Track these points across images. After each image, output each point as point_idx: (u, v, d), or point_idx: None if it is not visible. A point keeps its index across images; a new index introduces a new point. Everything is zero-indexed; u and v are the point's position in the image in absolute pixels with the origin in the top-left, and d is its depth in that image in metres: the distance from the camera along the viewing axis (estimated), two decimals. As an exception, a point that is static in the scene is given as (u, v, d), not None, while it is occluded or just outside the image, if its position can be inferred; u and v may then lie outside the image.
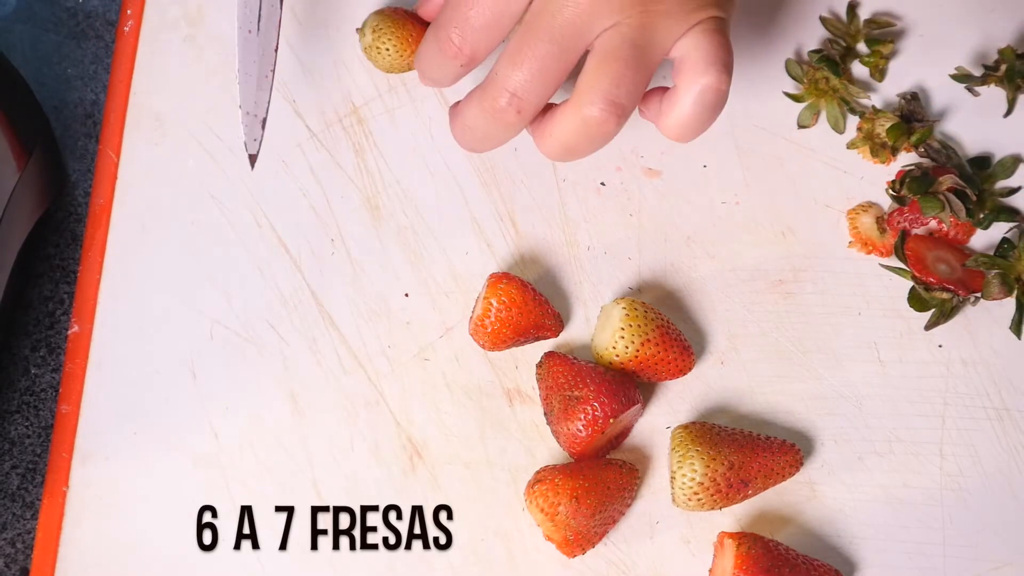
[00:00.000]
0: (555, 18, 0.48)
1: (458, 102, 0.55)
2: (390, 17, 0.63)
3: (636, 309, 0.56)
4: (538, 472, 0.55)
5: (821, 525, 0.57)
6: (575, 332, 0.60)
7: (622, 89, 0.49)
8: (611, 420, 0.54)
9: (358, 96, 0.66)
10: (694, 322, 0.60)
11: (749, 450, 0.55)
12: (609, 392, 0.54)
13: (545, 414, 0.58)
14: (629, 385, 0.56)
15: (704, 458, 0.54)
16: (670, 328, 0.57)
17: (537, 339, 0.59)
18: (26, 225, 0.62)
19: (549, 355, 0.58)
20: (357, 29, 0.64)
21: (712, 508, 0.55)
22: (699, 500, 0.54)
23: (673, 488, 0.55)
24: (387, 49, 0.62)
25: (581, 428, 0.54)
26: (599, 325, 0.58)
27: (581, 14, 0.48)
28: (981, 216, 0.61)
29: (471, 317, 0.59)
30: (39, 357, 0.63)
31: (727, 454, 0.54)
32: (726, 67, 0.50)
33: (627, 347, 0.56)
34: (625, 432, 0.58)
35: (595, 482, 0.54)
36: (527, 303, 0.57)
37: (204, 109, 0.66)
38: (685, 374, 0.58)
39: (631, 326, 0.56)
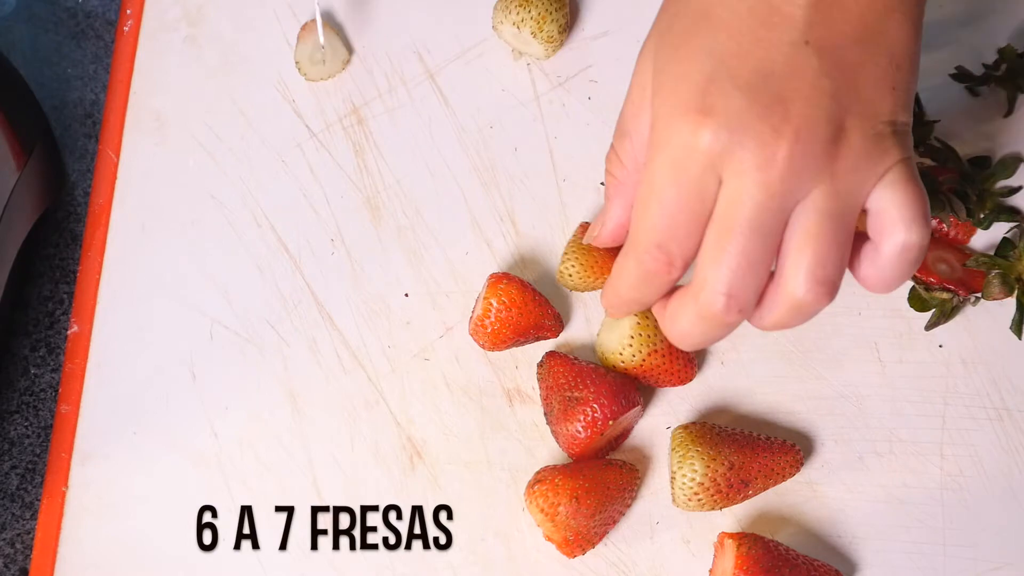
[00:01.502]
0: (748, 207, 0.45)
1: (668, 303, 0.51)
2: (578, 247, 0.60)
3: (648, 318, 0.56)
4: (538, 472, 0.55)
5: (821, 525, 0.57)
6: (575, 332, 0.60)
7: (829, 267, 0.47)
8: (610, 422, 0.54)
9: (358, 96, 0.66)
10: (694, 322, 0.60)
11: (749, 450, 0.55)
12: (609, 394, 0.54)
13: (545, 414, 0.58)
14: (629, 387, 0.55)
15: (704, 458, 0.54)
16: None
17: (537, 339, 0.59)
18: (26, 225, 0.62)
19: (551, 355, 0.58)
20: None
21: (712, 508, 0.55)
22: (699, 500, 0.54)
23: (673, 488, 0.54)
24: (571, 275, 0.60)
25: (580, 429, 0.54)
26: (607, 325, 0.58)
27: (774, 196, 0.45)
28: (981, 216, 0.61)
29: (471, 317, 0.59)
30: (39, 357, 0.63)
31: (727, 454, 0.54)
32: (925, 220, 0.47)
33: (634, 355, 0.56)
34: (625, 434, 0.58)
35: (595, 482, 0.54)
36: (527, 303, 0.57)
37: (204, 109, 0.66)
38: (686, 383, 0.58)
39: (641, 335, 0.56)
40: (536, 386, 0.59)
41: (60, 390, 0.61)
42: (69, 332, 0.62)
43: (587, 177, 0.64)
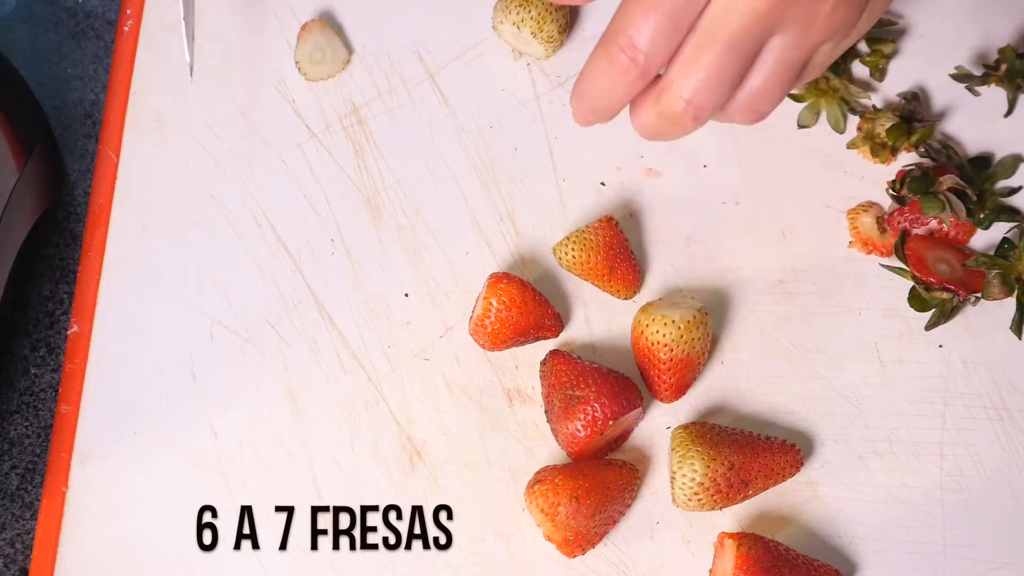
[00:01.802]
0: (734, 25, 0.47)
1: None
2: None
3: (699, 326, 0.56)
4: (538, 472, 0.55)
5: (821, 525, 0.57)
6: (575, 332, 0.60)
7: (771, 102, 0.50)
8: (610, 422, 0.54)
9: (358, 96, 0.66)
10: (694, 322, 0.60)
11: (749, 450, 0.55)
12: (610, 394, 0.54)
13: (546, 412, 0.58)
14: (631, 388, 0.55)
15: (704, 458, 0.54)
16: (695, 361, 0.57)
17: (537, 339, 0.59)
18: (26, 225, 0.62)
19: (554, 353, 0.58)
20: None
21: (712, 508, 0.55)
22: (699, 500, 0.54)
23: (673, 488, 0.54)
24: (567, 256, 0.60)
25: (580, 428, 0.54)
26: (667, 301, 0.59)
27: (760, 21, 0.47)
28: (981, 216, 0.61)
29: (471, 317, 0.59)
30: (39, 357, 0.63)
31: (727, 454, 0.54)
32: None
33: (656, 332, 0.56)
34: (625, 435, 0.58)
35: (595, 482, 0.54)
36: (527, 303, 0.57)
37: (204, 109, 0.66)
38: (661, 401, 0.58)
39: (679, 329, 0.56)
40: (536, 386, 0.59)
41: (60, 390, 0.61)
42: (69, 332, 0.62)
43: (587, 177, 0.64)
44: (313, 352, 0.61)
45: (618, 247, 0.59)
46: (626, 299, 0.60)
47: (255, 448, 0.59)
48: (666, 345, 0.56)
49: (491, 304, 0.57)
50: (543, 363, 0.58)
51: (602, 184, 0.63)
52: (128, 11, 0.68)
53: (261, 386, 0.60)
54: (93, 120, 0.68)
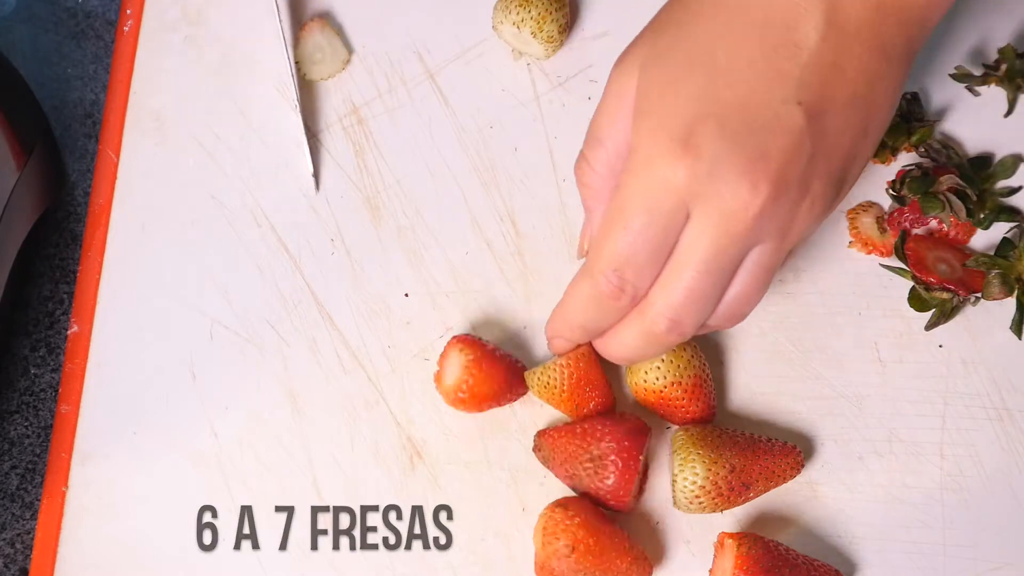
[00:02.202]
0: (709, 249, 0.47)
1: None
2: None
3: (681, 352, 0.56)
4: (571, 499, 0.54)
5: (821, 525, 0.57)
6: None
7: (750, 307, 0.51)
8: (640, 457, 0.54)
9: (358, 96, 0.66)
10: (694, 322, 0.60)
11: (750, 453, 0.55)
12: (624, 431, 0.54)
13: (574, 489, 0.56)
14: (630, 418, 0.55)
15: (705, 462, 0.53)
16: (705, 378, 0.57)
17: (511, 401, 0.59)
18: (26, 225, 0.62)
19: (542, 434, 0.56)
20: None
21: (713, 511, 0.55)
22: (700, 504, 0.54)
23: (674, 491, 0.54)
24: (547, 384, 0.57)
25: (618, 477, 0.53)
26: None
27: (735, 243, 0.47)
28: (981, 216, 0.61)
29: (438, 380, 0.58)
30: (39, 357, 0.63)
31: (728, 457, 0.54)
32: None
33: (657, 379, 0.55)
34: (649, 455, 0.58)
35: (601, 551, 0.52)
36: (495, 369, 0.56)
37: (204, 109, 0.66)
38: (696, 423, 0.57)
39: (671, 362, 0.55)
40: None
41: (60, 390, 0.61)
42: (69, 332, 0.62)
43: (587, 177, 0.64)
44: (313, 352, 0.61)
45: (592, 377, 0.57)
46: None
47: (255, 448, 0.59)
48: (670, 383, 0.55)
49: (466, 374, 0.56)
50: (537, 448, 0.57)
51: (602, 184, 0.63)
52: (128, 11, 0.68)
53: (261, 386, 0.60)
54: (93, 120, 0.68)
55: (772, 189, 0.46)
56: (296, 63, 0.66)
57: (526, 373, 0.57)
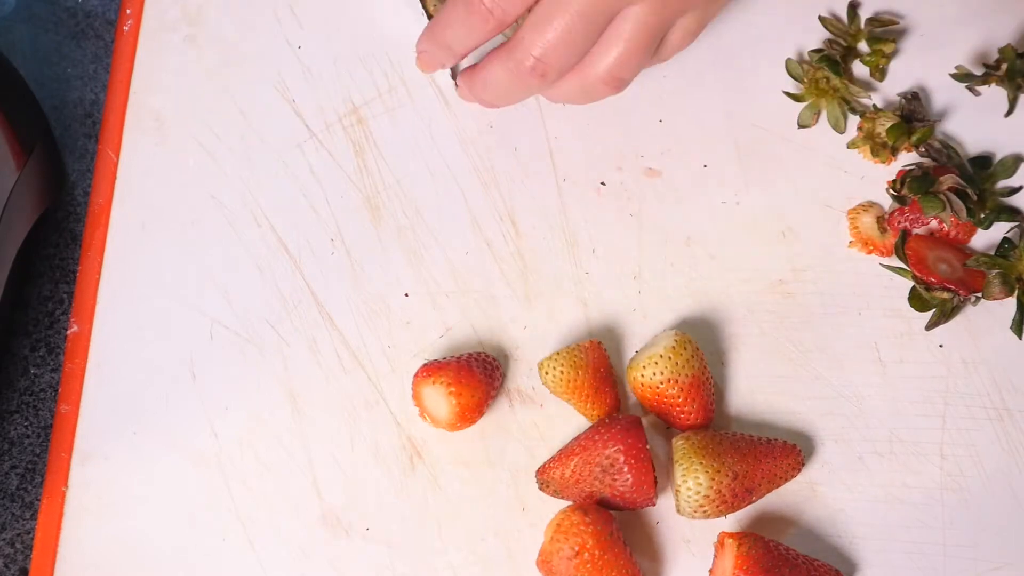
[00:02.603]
0: None
1: (474, 65, 0.58)
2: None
3: (681, 351, 0.56)
4: (594, 506, 0.54)
5: (821, 525, 0.57)
6: (574, 330, 0.60)
7: (628, 70, 0.53)
8: (648, 448, 0.54)
9: (358, 96, 0.66)
10: (694, 322, 0.60)
11: (752, 457, 0.54)
12: (627, 432, 0.54)
13: (601, 504, 0.55)
14: (621, 418, 0.55)
15: (708, 471, 0.53)
16: (704, 380, 0.57)
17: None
18: (26, 225, 0.62)
19: (543, 471, 0.56)
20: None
21: (717, 516, 0.55)
22: (704, 512, 0.54)
23: (678, 500, 0.54)
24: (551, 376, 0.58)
25: (633, 481, 0.54)
26: (646, 344, 0.58)
27: None
28: (982, 216, 0.61)
29: (424, 416, 0.58)
30: (39, 357, 0.63)
31: (731, 464, 0.54)
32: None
33: (655, 375, 0.55)
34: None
35: (604, 563, 0.53)
36: (470, 378, 0.57)
37: (204, 109, 0.66)
38: (695, 428, 0.57)
39: (669, 359, 0.55)
40: (536, 386, 0.59)
41: (60, 390, 0.61)
42: (69, 332, 0.62)
43: (587, 177, 0.64)
44: (313, 352, 0.61)
45: (605, 371, 0.58)
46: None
47: (255, 448, 0.59)
48: (667, 379, 0.55)
49: (452, 407, 0.56)
50: (545, 486, 0.56)
51: (602, 184, 0.63)
52: (128, 11, 0.68)
53: (261, 386, 0.60)
54: (93, 120, 0.68)
55: None
56: (426, 8, 0.65)
57: (538, 365, 0.57)
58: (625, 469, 0.54)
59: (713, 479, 0.53)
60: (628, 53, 0.53)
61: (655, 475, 0.55)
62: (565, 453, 0.56)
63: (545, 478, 0.56)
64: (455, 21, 0.55)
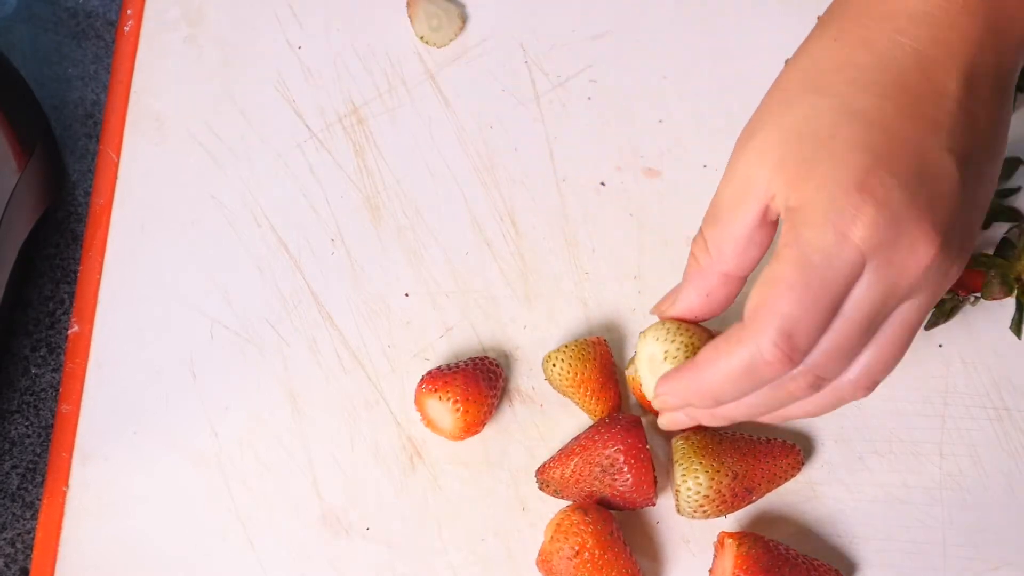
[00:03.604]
0: (877, 302, 0.44)
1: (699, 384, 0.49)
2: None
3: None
4: (593, 506, 0.54)
5: (821, 525, 0.57)
6: (574, 330, 0.60)
7: (888, 372, 0.48)
8: (647, 448, 0.54)
9: (358, 96, 0.66)
10: (694, 322, 0.60)
11: (751, 457, 0.54)
12: (626, 433, 0.54)
13: (601, 504, 0.55)
14: (620, 417, 0.55)
15: (708, 471, 0.53)
16: None
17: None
18: (26, 225, 0.62)
19: (543, 471, 0.56)
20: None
21: (717, 516, 0.55)
22: (704, 512, 0.54)
23: (678, 500, 0.54)
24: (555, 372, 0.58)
25: (632, 481, 0.54)
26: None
27: (898, 295, 0.44)
28: (981, 216, 0.61)
29: (430, 426, 0.58)
30: (39, 357, 0.63)
31: (730, 464, 0.54)
32: None
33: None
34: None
35: (603, 563, 0.53)
36: (477, 387, 0.57)
37: (204, 109, 0.66)
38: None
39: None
40: (536, 386, 0.59)
41: (60, 390, 0.61)
42: (69, 332, 0.62)
43: (587, 177, 0.64)
44: (313, 352, 0.61)
45: (609, 367, 0.58)
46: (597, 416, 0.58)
47: (255, 448, 0.59)
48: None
49: (459, 417, 0.56)
50: (545, 485, 0.56)
51: (602, 184, 0.63)
52: (128, 11, 0.68)
53: (261, 386, 0.60)
54: (94, 120, 0.68)
55: (942, 240, 0.44)
56: (420, 38, 0.66)
57: (544, 358, 0.57)
58: (625, 469, 0.54)
59: (713, 479, 0.53)
60: (891, 355, 0.47)
61: (655, 475, 0.55)
62: (565, 453, 0.56)
63: (545, 478, 0.56)
64: (738, 375, 0.46)
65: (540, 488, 0.57)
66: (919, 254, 0.44)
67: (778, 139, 0.46)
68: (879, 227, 0.43)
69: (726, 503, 0.54)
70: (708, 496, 0.53)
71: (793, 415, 0.49)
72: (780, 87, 0.48)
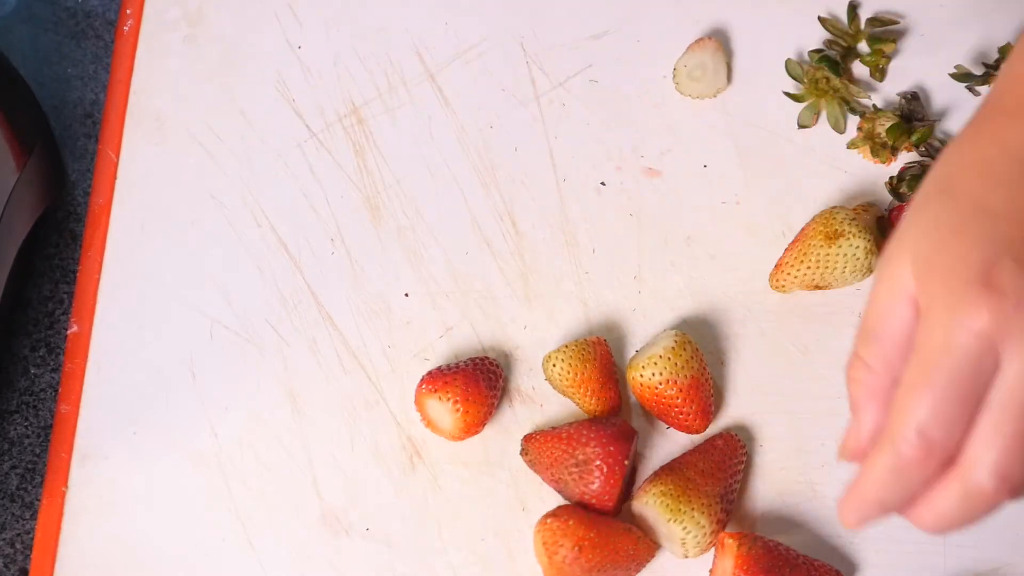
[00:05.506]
0: (1007, 388, 0.43)
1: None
2: None
3: (681, 351, 0.56)
4: (559, 508, 0.54)
5: (821, 525, 0.57)
6: (574, 330, 0.60)
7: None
8: (626, 462, 0.54)
9: (358, 96, 0.66)
10: (694, 322, 0.60)
11: (712, 473, 0.55)
12: (609, 436, 0.54)
13: (560, 492, 0.56)
14: (616, 423, 0.55)
15: (702, 509, 0.54)
16: (703, 381, 0.57)
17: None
18: (26, 225, 0.62)
19: (529, 438, 0.57)
20: None
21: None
22: (710, 544, 0.55)
23: (685, 549, 0.54)
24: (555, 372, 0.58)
25: (601, 482, 0.54)
26: (646, 345, 0.58)
27: None
28: (982, 216, 0.61)
29: (430, 427, 0.58)
30: (39, 357, 0.63)
31: (707, 489, 0.54)
32: None
33: (653, 375, 0.55)
34: (636, 458, 0.58)
35: (605, 540, 0.53)
36: (477, 387, 0.57)
37: (204, 109, 0.66)
38: (694, 433, 0.57)
39: (669, 359, 0.55)
40: (536, 386, 0.59)
41: (60, 390, 0.61)
42: (69, 332, 0.62)
43: (587, 177, 0.64)
44: (313, 352, 0.61)
45: (610, 367, 0.58)
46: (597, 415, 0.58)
47: (255, 448, 0.59)
48: (666, 380, 0.55)
49: (460, 417, 0.56)
50: (524, 452, 0.57)
51: (602, 184, 0.63)
52: (128, 11, 0.68)
53: (261, 386, 0.60)
54: (93, 120, 0.68)
55: None
56: (674, 70, 0.65)
57: (544, 357, 0.57)
58: (596, 473, 0.54)
59: (704, 514, 0.54)
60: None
61: (628, 488, 0.55)
62: (555, 434, 0.55)
63: (528, 446, 0.56)
64: (885, 479, 0.46)
65: (520, 454, 0.57)
66: None
67: (912, 240, 0.47)
68: (1004, 313, 0.43)
69: (721, 523, 0.55)
70: (714, 530, 0.54)
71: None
72: (920, 193, 0.49)
